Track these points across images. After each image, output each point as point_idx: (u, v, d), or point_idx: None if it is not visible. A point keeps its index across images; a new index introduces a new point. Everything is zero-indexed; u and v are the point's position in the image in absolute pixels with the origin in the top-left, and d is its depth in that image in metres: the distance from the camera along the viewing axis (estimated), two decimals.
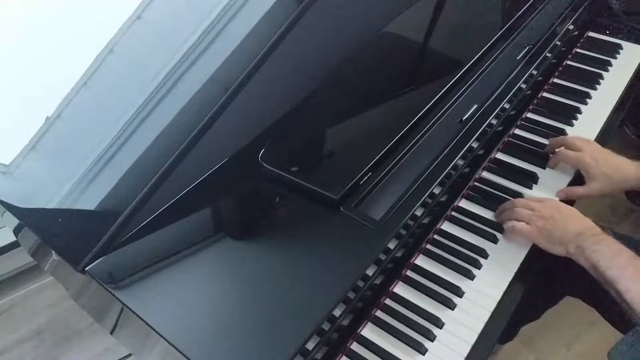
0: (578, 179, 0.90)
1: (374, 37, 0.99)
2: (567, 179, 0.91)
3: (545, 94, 1.07)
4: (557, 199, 0.88)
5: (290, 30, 0.96)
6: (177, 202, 0.77)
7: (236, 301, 0.67)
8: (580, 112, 1.03)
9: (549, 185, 0.90)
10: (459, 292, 0.76)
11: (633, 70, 1.11)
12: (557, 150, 0.92)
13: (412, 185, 0.76)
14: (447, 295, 0.76)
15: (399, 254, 0.78)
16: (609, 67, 1.11)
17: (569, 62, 1.14)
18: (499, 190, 0.90)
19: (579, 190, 0.87)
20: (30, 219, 0.82)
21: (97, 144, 0.87)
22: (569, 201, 0.89)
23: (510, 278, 0.78)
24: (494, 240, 0.83)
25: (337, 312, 0.67)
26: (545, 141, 0.97)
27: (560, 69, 1.12)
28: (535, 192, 0.89)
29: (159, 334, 0.63)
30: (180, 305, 0.67)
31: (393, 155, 0.79)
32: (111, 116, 0.93)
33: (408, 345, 0.71)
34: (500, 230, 0.84)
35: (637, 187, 0.86)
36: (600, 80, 1.09)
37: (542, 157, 0.95)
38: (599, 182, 0.85)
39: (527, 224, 0.79)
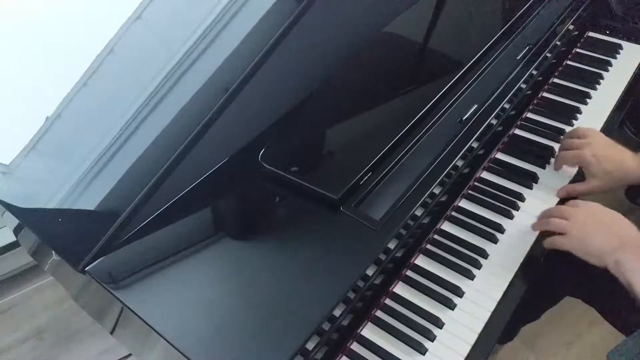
0: (579, 178, 0.90)
1: (374, 37, 0.99)
2: (567, 178, 0.91)
3: (545, 94, 1.07)
4: (558, 197, 0.87)
5: (290, 30, 0.96)
6: (177, 202, 0.77)
7: (236, 301, 0.67)
8: (580, 112, 1.03)
9: (549, 185, 0.90)
10: (459, 292, 0.76)
11: (633, 70, 1.11)
12: (557, 153, 0.91)
13: (412, 185, 0.76)
14: (447, 295, 0.76)
15: (399, 254, 0.78)
16: (609, 67, 1.11)
17: (569, 62, 1.14)
18: (499, 190, 0.90)
19: (579, 187, 0.87)
20: (30, 219, 0.82)
21: (97, 144, 0.87)
22: (570, 200, 0.89)
23: (510, 278, 0.78)
24: (494, 240, 0.82)
25: (337, 312, 0.67)
26: (545, 141, 0.97)
27: (560, 69, 1.12)
28: (536, 192, 0.89)
29: (159, 334, 0.63)
30: (180, 305, 0.67)
31: (393, 155, 0.79)
32: (111, 116, 0.93)
33: (408, 345, 0.71)
34: (501, 230, 0.84)
35: (638, 182, 0.84)
36: (600, 80, 1.09)
37: (542, 157, 0.95)
38: (600, 180, 0.84)
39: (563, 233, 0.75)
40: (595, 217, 0.74)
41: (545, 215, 0.81)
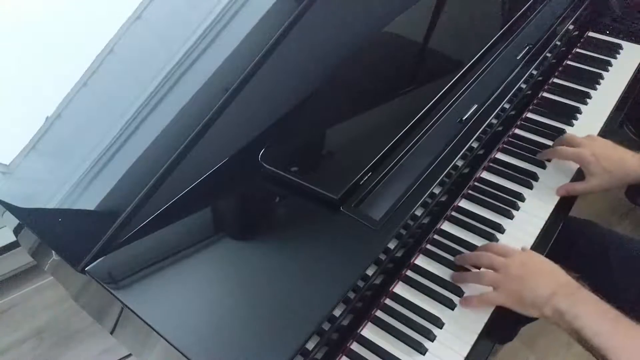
0: (578, 178, 0.90)
1: (374, 37, 0.99)
2: (567, 178, 0.91)
3: (545, 94, 1.07)
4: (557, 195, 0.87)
5: (290, 30, 0.96)
6: (177, 202, 0.77)
7: (236, 301, 0.67)
8: (580, 112, 1.03)
9: (549, 185, 0.90)
10: (459, 292, 0.76)
11: (633, 70, 1.11)
12: (557, 147, 0.90)
13: (412, 185, 0.76)
14: (447, 295, 0.76)
15: (399, 254, 0.78)
16: (609, 67, 1.11)
17: (569, 62, 1.14)
18: (499, 190, 0.90)
19: (579, 186, 0.86)
20: (30, 219, 0.82)
21: (97, 144, 0.87)
22: (571, 199, 0.88)
23: None
24: (494, 240, 0.82)
25: (337, 312, 0.67)
26: (545, 141, 0.97)
27: (560, 69, 1.12)
28: (535, 192, 0.89)
29: (159, 334, 0.63)
30: (180, 305, 0.67)
31: (393, 155, 0.79)
32: (111, 116, 0.93)
33: (408, 345, 0.71)
34: (501, 230, 0.84)
35: (638, 181, 0.84)
36: (600, 80, 1.09)
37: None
38: (599, 179, 0.84)
39: (494, 287, 0.72)
40: (527, 268, 0.70)
41: (472, 261, 0.76)
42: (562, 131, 0.99)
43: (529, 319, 1.21)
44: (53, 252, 0.79)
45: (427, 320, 0.74)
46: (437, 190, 0.80)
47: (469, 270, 0.78)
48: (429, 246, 0.83)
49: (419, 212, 0.77)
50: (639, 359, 0.60)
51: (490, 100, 0.89)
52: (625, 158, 0.84)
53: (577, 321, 0.63)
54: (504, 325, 0.74)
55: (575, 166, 0.92)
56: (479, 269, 0.76)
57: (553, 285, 0.67)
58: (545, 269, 0.71)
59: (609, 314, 0.64)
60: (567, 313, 0.64)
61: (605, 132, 1.00)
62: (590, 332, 0.62)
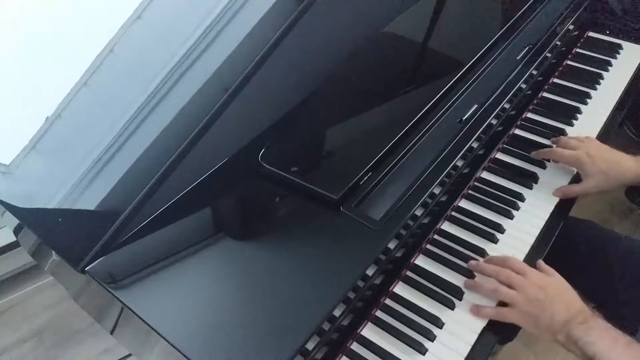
0: (578, 179, 0.90)
1: (374, 37, 0.99)
2: (567, 178, 0.91)
3: (545, 94, 1.07)
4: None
5: (290, 30, 0.96)
6: (177, 202, 0.77)
7: (236, 301, 0.67)
8: (580, 112, 1.03)
9: (549, 185, 0.90)
10: (459, 292, 0.76)
11: (633, 70, 1.11)
12: (553, 148, 0.90)
13: (412, 185, 0.76)
14: (447, 295, 0.76)
15: (399, 254, 0.78)
16: (609, 67, 1.12)
17: (569, 62, 1.14)
18: (499, 190, 0.90)
19: (575, 188, 0.87)
20: (30, 219, 0.82)
21: (97, 144, 0.87)
22: (569, 200, 0.89)
23: None
24: (494, 240, 0.82)
25: (337, 312, 0.67)
26: (545, 141, 0.97)
27: (560, 69, 1.13)
28: (535, 192, 0.89)
29: (159, 334, 0.63)
30: (180, 305, 0.67)
31: (393, 155, 0.79)
32: (111, 116, 0.93)
33: (408, 345, 0.71)
34: (501, 230, 0.84)
35: (635, 182, 0.84)
36: (600, 80, 1.09)
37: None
38: (595, 179, 0.84)
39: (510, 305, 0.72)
40: (545, 292, 0.70)
41: (489, 274, 0.75)
42: (562, 131, 0.99)
43: None
44: (53, 252, 0.79)
45: (427, 320, 0.74)
46: (437, 190, 0.80)
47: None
48: (429, 246, 0.83)
49: (419, 212, 0.77)
50: None
51: (490, 100, 0.89)
52: (621, 159, 0.85)
53: (590, 347, 0.65)
54: (504, 325, 0.74)
55: (572, 170, 0.92)
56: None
57: (568, 312, 0.68)
58: (563, 294, 0.71)
59: (621, 340, 0.66)
60: (581, 340, 0.66)
61: (605, 132, 1.00)
62: (603, 357, 0.64)
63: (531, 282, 0.72)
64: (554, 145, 0.92)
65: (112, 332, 0.75)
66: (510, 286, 0.72)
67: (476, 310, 0.74)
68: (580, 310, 0.69)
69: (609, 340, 0.65)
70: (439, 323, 0.73)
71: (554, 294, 0.70)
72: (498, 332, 0.73)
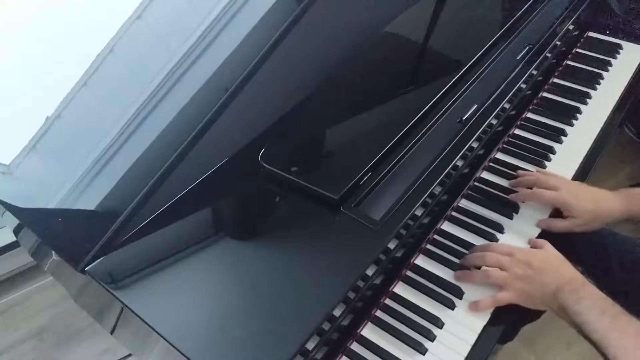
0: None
1: (374, 37, 0.99)
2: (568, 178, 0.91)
3: (545, 94, 1.08)
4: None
5: (290, 30, 0.96)
6: (177, 202, 0.77)
7: (236, 301, 0.67)
8: (580, 112, 1.03)
9: None
10: (459, 292, 0.76)
11: (633, 70, 1.11)
12: (532, 190, 0.86)
13: (412, 185, 0.76)
14: (447, 295, 0.76)
15: (399, 254, 0.78)
16: (609, 67, 1.11)
17: (569, 62, 1.14)
18: (499, 190, 0.90)
19: (560, 224, 0.83)
20: (30, 219, 0.82)
21: (97, 144, 0.87)
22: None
23: None
24: (495, 240, 0.82)
25: (337, 312, 0.67)
26: (545, 141, 0.97)
27: (560, 69, 1.13)
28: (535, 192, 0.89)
29: (159, 334, 0.63)
30: (180, 305, 0.67)
31: (393, 155, 0.79)
32: (111, 116, 0.93)
33: (408, 345, 0.71)
34: (501, 230, 0.84)
35: (622, 219, 0.83)
36: (600, 80, 1.09)
37: (541, 157, 0.95)
38: (583, 219, 0.81)
39: (502, 287, 0.73)
40: (532, 266, 0.72)
41: (478, 262, 0.76)
42: (563, 131, 0.99)
43: (529, 319, 1.21)
44: (53, 252, 0.79)
45: (427, 320, 0.74)
46: (437, 190, 0.80)
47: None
48: (429, 246, 0.83)
49: (419, 212, 0.77)
50: (634, 355, 0.61)
51: (490, 100, 0.89)
52: (605, 197, 0.83)
53: (578, 317, 0.66)
54: (504, 325, 0.74)
55: (572, 170, 0.92)
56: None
57: (558, 281, 0.70)
58: (551, 264, 0.73)
59: (610, 311, 0.65)
60: (570, 309, 0.67)
61: (605, 132, 1.00)
62: (590, 328, 0.64)
63: (517, 260, 0.73)
64: (531, 175, 0.89)
65: (112, 332, 0.75)
66: (499, 268, 0.74)
67: (474, 307, 0.74)
68: (571, 279, 0.70)
69: (597, 311, 0.65)
70: (439, 323, 0.73)
71: (542, 265, 0.72)
72: (500, 323, 0.74)
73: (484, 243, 0.81)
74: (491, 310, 0.74)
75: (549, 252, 0.76)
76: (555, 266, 0.73)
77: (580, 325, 0.66)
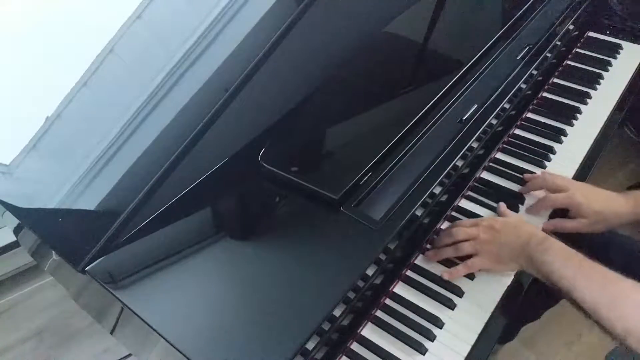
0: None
1: (374, 37, 0.99)
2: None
3: (545, 94, 1.07)
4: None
5: (290, 30, 0.96)
6: (177, 202, 0.77)
7: (236, 301, 0.67)
8: (580, 112, 1.03)
9: None
10: (459, 292, 0.76)
11: (633, 70, 1.11)
12: (541, 196, 0.86)
13: (412, 185, 0.76)
14: (447, 295, 0.76)
15: (399, 254, 0.78)
16: (609, 67, 1.12)
17: (569, 62, 1.14)
18: (499, 190, 0.90)
19: (569, 224, 0.84)
20: (30, 219, 0.82)
21: (97, 144, 0.87)
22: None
23: (510, 278, 0.78)
24: None
25: (337, 312, 0.67)
26: (545, 141, 0.97)
27: (560, 69, 1.13)
28: (535, 192, 0.89)
29: (159, 334, 0.63)
30: (180, 305, 0.67)
31: (393, 155, 0.79)
32: (111, 116, 0.93)
33: (408, 345, 0.71)
34: None
35: (631, 221, 0.83)
36: (600, 80, 1.09)
37: (542, 157, 0.95)
38: (591, 219, 0.82)
39: (473, 255, 0.77)
40: (495, 229, 0.76)
41: (445, 241, 0.79)
42: (563, 131, 0.99)
43: (529, 319, 1.22)
44: (53, 252, 0.79)
45: (427, 320, 0.74)
46: (437, 190, 0.80)
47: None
48: (429, 246, 0.83)
49: (419, 212, 0.77)
50: (599, 295, 0.65)
51: (490, 100, 0.89)
52: (614, 198, 0.83)
53: (545, 267, 0.70)
54: (504, 325, 0.74)
55: (572, 170, 0.91)
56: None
57: (522, 237, 0.74)
58: (513, 225, 0.77)
59: (575, 258, 0.69)
60: (537, 260, 0.71)
61: (605, 132, 1.00)
62: (556, 276, 0.68)
63: (482, 227, 0.78)
64: (537, 177, 0.89)
65: (112, 332, 0.75)
66: (468, 240, 0.77)
67: (449, 275, 0.77)
68: (534, 234, 0.74)
69: (562, 259, 0.69)
70: (439, 323, 0.73)
71: (503, 227, 0.77)
72: (501, 323, 0.74)
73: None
74: (492, 310, 0.74)
75: (512, 218, 0.81)
76: (516, 226, 0.76)
77: (548, 275, 0.69)
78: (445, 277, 0.77)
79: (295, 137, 0.86)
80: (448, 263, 0.79)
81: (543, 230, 0.84)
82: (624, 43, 1.16)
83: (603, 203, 0.82)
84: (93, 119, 0.96)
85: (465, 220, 0.83)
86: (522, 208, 0.87)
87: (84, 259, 0.71)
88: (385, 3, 1.06)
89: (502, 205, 0.86)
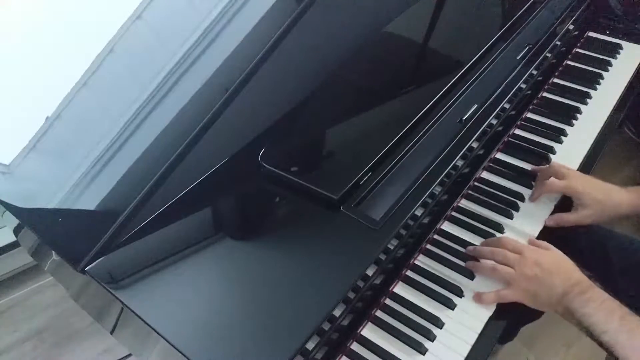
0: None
1: (374, 37, 0.99)
2: None
3: (545, 94, 1.07)
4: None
5: (290, 30, 0.96)
6: (177, 202, 0.77)
7: (236, 301, 0.67)
8: (580, 112, 1.03)
9: None
10: (459, 292, 0.76)
11: (633, 70, 1.11)
12: (544, 181, 0.86)
13: (412, 185, 0.76)
14: (447, 295, 0.76)
15: (399, 254, 0.78)
16: (609, 67, 1.11)
17: (569, 62, 1.14)
18: (499, 190, 0.90)
19: (569, 217, 0.84)
20: (30, 219, 0.82)
21: (97, 144, 0.87)
22: (570, 200, 0.88)
23: None
24: None
25: (337, 312, 0.67)
26: (545, 141, 0.97)
27: (560, 69, 1.12)
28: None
29: (159, 334, 0.63)
30: (180, 305, 0.67)
31: (393, 155, 0.79)
32: (111, 116, 0.93)
33: (408, 345, 0.71)
34: (501, 230, 0.84)
35: (630, 213, 0.83)
36: (600, 80, 1.09)
37: (541, 157, 0.95)
38: (590, 209, 0.82)
39: (508, 284, 0.74)
40: (541, 267, 0.72)
41: (485, 256, 0.77)
42: (563, 131, 0.99)
43: (529, 319, 1.21)
44: (53, 252, 0.79)
45: (427, 320, 0.74)
46: (437, 190, 0.80)
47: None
48: (429, 246, 0.83)
49: (419, 212, 0.77)
50: None
51: (490, 100, 0.89)
52: (615, 190, 0.84)
53: (586, 319, 0.67)
54: (504, 325, 0.74)
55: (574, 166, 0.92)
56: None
57: (566, 284, 0.70)
58: (559, 267, 0.73)
59: (618, 312, 0.66)
60: (577, 312, 0.67)
61: (605, 132, 1.00)
62: (598, 329, 0.65)
63: (527, 259, 0.73)
64: (542, 170, 0.90)
65: (112, 332, 0.75)
66: (507, 265, 0.74)
67: (478, 298, 0.75)
68: (578, 282, 0.70)
69: (605, 313, 0.66)
70: (439, 323, 0.73)
71: (551, 267, 0.72)
72: (501, 322, 0.74)
73: (494, 237, 0.81)
74: (492, 310, 0.74)
75: (558, 255, 0.75)
76: (564, 269, 0.72)
77: (588, 327, 0.66)
78: (475, 299, 0.75)
79: (295, 137, 0.86)
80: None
81: (545, 226, 0.84)
82: (624, 43, 1.16)
83: (604, 193, 0.82)
84: (93, 119, 0.96)
85: (510, 240, 0.77)
86: (522, 205, 0.87)
87: (84, 259, 0.71)
88: (386, 3, 1.06)
89: (534, 239, 0.80)
